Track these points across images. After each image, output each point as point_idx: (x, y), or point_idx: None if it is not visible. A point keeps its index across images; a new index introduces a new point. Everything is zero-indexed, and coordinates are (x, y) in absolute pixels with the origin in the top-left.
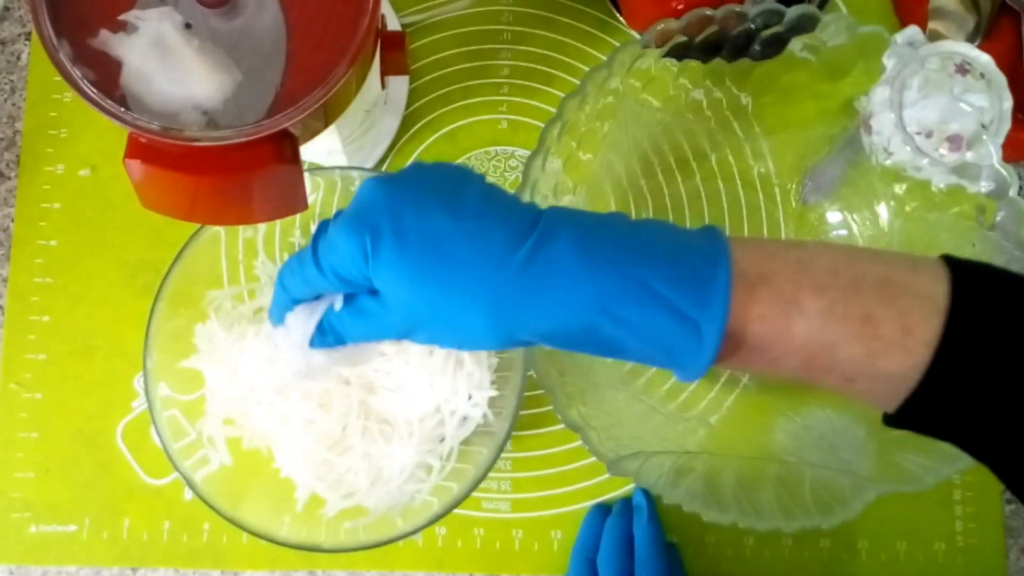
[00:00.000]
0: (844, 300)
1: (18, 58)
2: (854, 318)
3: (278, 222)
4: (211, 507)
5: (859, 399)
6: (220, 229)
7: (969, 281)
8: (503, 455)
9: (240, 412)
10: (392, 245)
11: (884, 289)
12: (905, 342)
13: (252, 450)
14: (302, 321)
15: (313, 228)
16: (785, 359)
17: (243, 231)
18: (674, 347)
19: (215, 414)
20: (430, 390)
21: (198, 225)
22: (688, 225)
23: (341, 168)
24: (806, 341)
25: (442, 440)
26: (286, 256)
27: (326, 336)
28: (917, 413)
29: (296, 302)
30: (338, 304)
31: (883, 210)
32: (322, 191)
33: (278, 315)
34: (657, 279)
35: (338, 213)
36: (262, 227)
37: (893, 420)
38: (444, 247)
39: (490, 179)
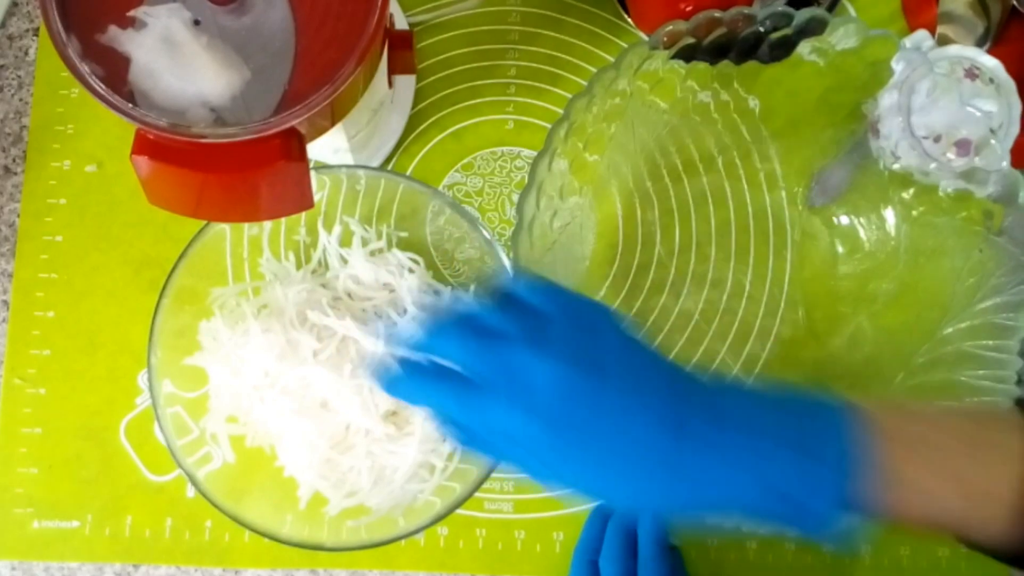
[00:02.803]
0: (971, 471)
1: (26, 53)
2: (948, 477)
3: (283, 220)
4: (214, 504)
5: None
6: (225, 226)
7: None
8: None
9: (243, 410)
10: (547, 441)
11: (970, 447)
12: (994, 491)
13: (255, 448)
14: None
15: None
16: (921, 523)
17: (248, 228)
18: (801, 530)
19: (218, 411)
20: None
21: (204, 222)
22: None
23: (347, 166)
24: (938, 511)
25: (444, 439)
26: (291, 255)
27: (453, 429)
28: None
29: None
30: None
31: (890, 214)
32: (328, 189)
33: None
34: (784, 482)
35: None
36: (267, 225)
37: (1006, 560)
38: (595, 445)
39: (495, 180)
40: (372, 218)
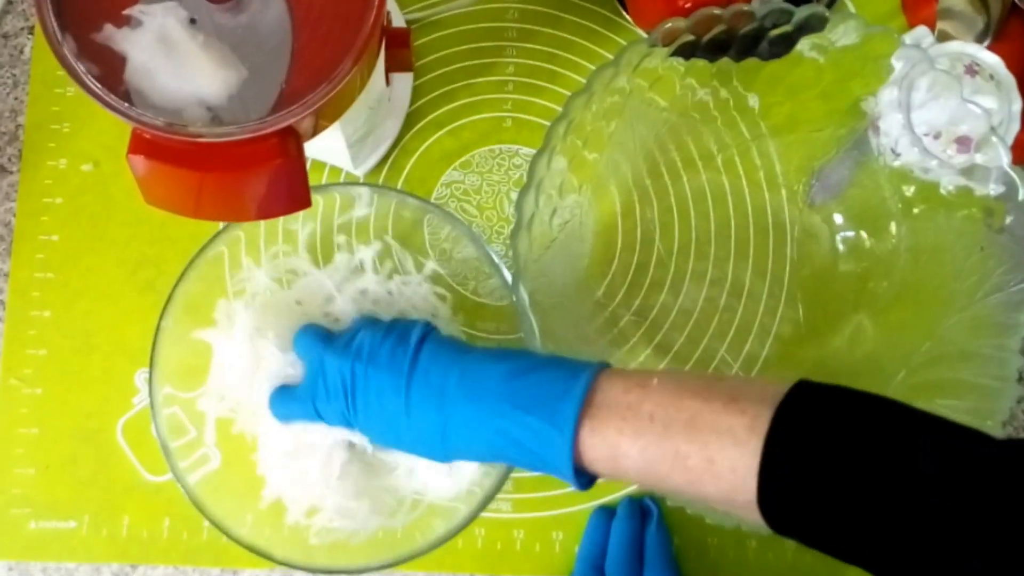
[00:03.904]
0: (657, 441)
1: (21, 52)
2: (666, 455)
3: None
4: (204, 514)
5: (734, 513)
6: (240, 232)
7: (787, 407)
8: None
9: (237, 394)
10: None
11: (690, 428)
12: (712, 470)
13: (246, 459)
14: None
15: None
16: (639, 481)
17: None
18: (550, 471)
19: (214, 390)
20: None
21: (201, 223)
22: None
23: (357, 184)
24: (639, 472)
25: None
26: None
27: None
28: (781, 527)
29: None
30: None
31: (890, 212)
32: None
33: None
34: (523, 435)
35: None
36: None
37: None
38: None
39: (494, 178)
40: (369, 230)
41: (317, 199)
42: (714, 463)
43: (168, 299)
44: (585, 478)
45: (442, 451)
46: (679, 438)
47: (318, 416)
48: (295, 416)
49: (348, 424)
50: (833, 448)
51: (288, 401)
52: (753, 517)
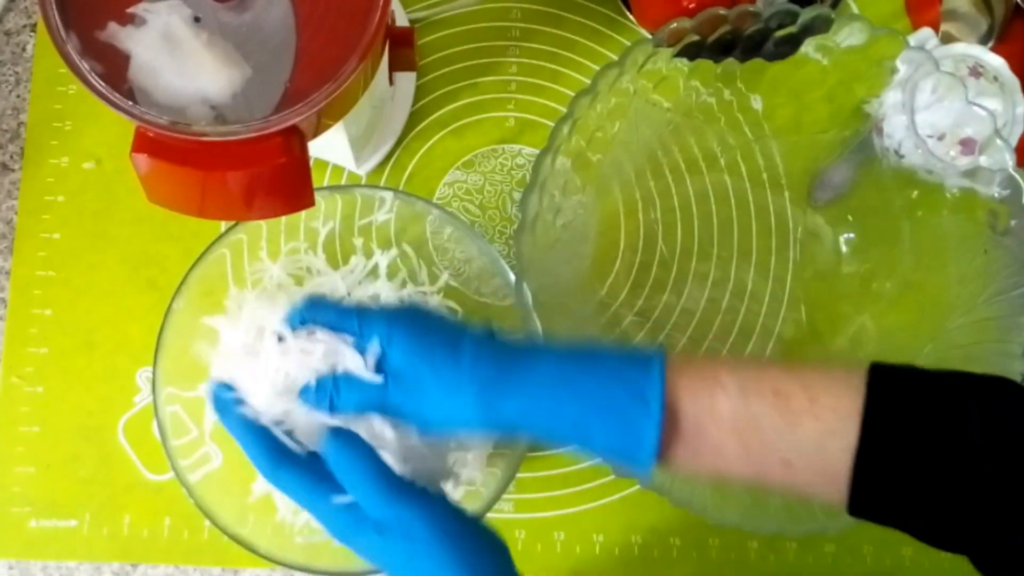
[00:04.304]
0: (755, 377)
1: (23, 49)
2: (766, 391)
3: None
4: (205, 513)
5: (810, 492)
6: (243, 236)
7: (879, 368)
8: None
9: (237, 384)
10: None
11: (789, 369)
12: (813, 410)
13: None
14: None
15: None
16: (725, 443)
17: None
18: (629, 416)
19: (216, 378)
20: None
21: (204, 221)
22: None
23: (365, 186)
24: (733, 416)
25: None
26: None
27: (321, 394)
28: (861, 491)
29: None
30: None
31: (894, 214)
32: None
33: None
34: (609, 360)
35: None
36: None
37: (852, 509)
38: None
39: (496, 178)
40: (389, 235)
41: (337, 199)
42: (816, 401)
43: (183, 281)
44: (662, 439)
45: (496, 388)
46: (777, 377)
47: (355, 315)
48: (323, 305)
49: (388, 324)
50: (917, 424)
51: (319, 301)
52: (833, 464)
